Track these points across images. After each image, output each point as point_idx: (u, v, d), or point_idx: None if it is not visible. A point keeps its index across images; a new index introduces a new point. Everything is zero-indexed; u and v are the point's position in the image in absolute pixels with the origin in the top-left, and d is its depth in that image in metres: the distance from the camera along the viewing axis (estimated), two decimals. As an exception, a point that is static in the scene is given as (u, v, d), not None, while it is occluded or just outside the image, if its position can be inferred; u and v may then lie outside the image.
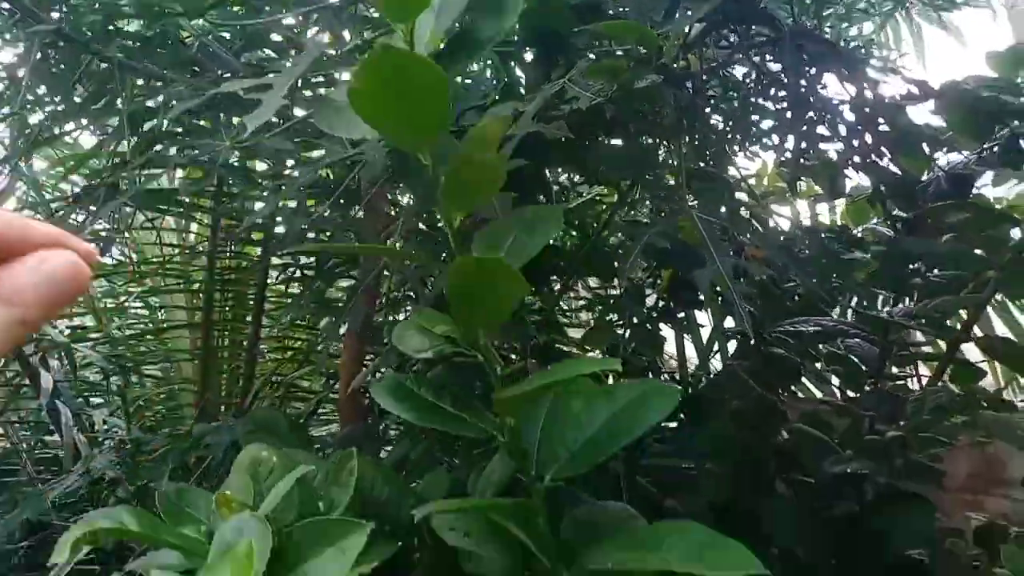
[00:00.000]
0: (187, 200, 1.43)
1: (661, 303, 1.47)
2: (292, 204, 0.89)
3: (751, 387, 1.17)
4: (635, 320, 1.44)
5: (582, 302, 1.73)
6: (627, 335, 1.43)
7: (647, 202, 1.16)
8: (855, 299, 1.21)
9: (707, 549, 0.57)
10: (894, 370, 1.16)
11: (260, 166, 1.43)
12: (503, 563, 0.73)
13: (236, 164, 1.34)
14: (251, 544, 0.54)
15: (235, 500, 0.65)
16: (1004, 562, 0.62)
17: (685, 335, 1.58)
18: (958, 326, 1.08)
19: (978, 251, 1.08)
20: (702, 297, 1.41)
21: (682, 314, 1.47)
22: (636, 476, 1.16)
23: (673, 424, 1.42)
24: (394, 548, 0.85)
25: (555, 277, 1.21)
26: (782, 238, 0.96)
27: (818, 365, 1.27)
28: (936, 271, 1.14)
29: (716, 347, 1.57)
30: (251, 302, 1.60)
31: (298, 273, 1.40)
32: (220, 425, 1.06)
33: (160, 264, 1.74)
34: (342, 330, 1.25)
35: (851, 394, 1.18)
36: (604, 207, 1.38)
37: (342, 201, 1.08)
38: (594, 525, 0.72)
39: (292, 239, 0.85)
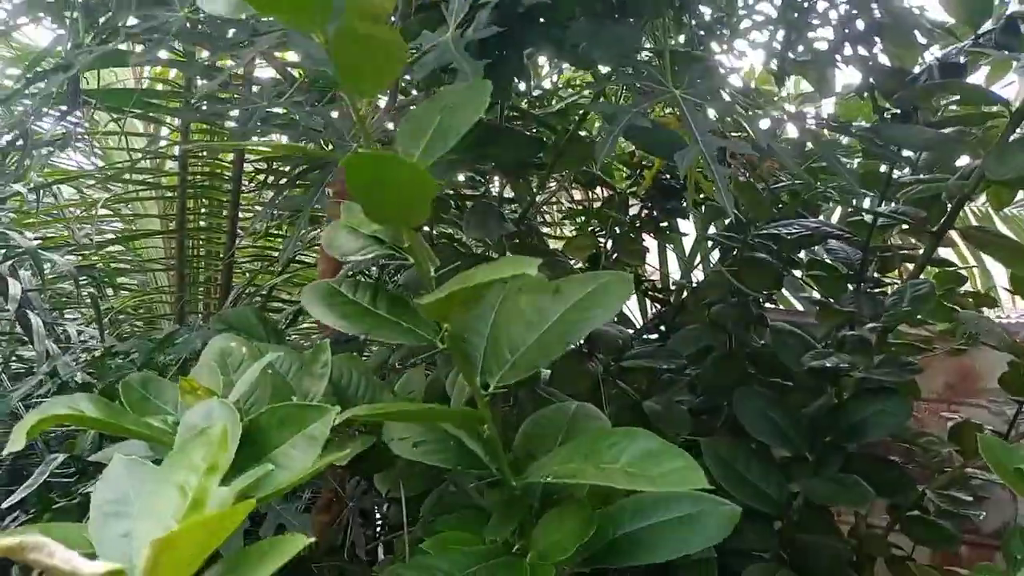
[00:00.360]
0: (155, 103, 1.37)
1: (644, 212, 1.45)
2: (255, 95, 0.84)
3: (732, 291, 1.16)
4: (617, 229, 1.42)
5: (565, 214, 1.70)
6: (609, 245, 1.42)
7: (629, 93, 1.12)
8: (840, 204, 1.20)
9: (651, 460, 0.53)
10: (876, 275, 1.16)
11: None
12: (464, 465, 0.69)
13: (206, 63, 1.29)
14: (225, 428, 0.52)
15: (200, 386, 0.63)
16: (981, 452, 0.61)
17: (667, 245, 1.56)
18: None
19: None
20: (685, 204, 1.39)
21: (665, 224, 1.45)
22: (617, 380, 1.16)
23: (655, 336, 1.42)
24: (371, 441, 0.84)
25: (533, 174, 1.18)
26: (768, 123, 0.93)
27: (799, 273, 1.27)
28: (923, 175, 1.13)
29: (699, 258, 1.56)
30: (226, 211, 1.56)
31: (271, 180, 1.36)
32: (191, 326, 1.04)
33: (128, 169, 1.68)
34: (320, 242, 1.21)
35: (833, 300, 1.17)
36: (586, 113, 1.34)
37: (314, 104, 1.03)
38: (544, 433, 0.69)
39: (253, 120, 0.81)
